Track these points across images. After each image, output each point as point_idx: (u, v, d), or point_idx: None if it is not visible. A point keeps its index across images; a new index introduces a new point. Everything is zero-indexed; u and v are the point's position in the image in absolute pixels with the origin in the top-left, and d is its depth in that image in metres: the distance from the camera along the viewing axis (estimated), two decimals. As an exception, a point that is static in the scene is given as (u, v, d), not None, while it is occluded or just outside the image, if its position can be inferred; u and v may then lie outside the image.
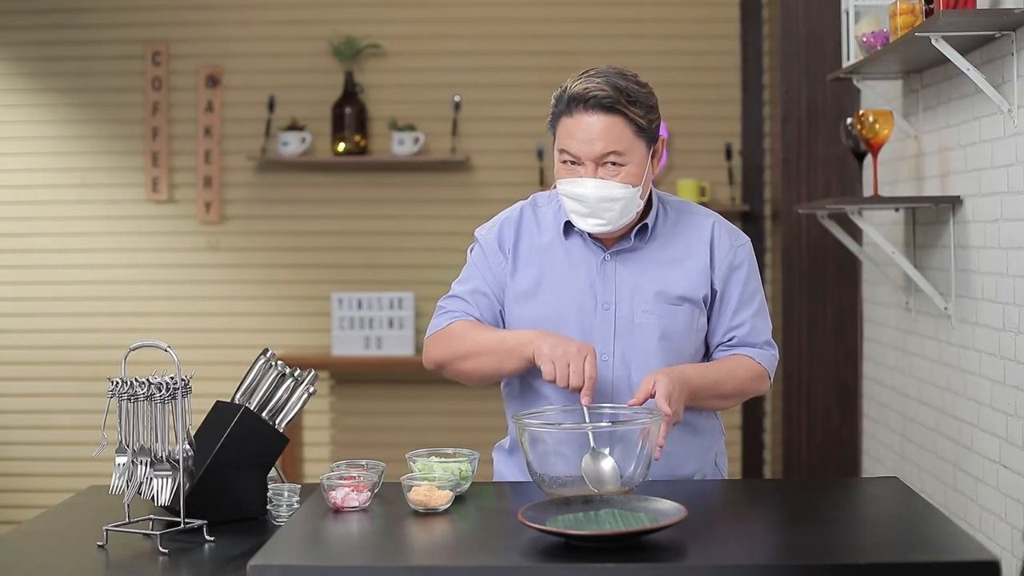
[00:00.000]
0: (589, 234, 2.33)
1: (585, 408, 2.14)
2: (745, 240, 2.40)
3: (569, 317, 2.29)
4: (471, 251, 2.44)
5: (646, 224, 2.33)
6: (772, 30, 4.81)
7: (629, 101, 2.21)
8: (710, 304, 2.35)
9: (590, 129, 2.21)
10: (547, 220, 2.39)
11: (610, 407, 2.21)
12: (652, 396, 2.13)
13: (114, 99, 5.27)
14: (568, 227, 2.35)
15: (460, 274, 2.43)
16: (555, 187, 2.34)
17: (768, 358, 2.37)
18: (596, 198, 2.23)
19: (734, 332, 2.36)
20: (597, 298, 2.31)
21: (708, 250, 2.34)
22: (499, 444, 2.49)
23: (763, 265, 5.12)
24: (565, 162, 2.25)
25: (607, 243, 2.34)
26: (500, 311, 2.38)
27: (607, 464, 2.04)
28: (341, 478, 2.05)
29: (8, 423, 5.28)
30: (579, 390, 2.14)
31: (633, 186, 2.24)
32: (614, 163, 2.22)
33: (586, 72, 2.25)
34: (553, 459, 2.06)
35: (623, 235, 2.33)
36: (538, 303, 2.32)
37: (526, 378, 2.35)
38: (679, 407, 2.17)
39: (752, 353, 2.35)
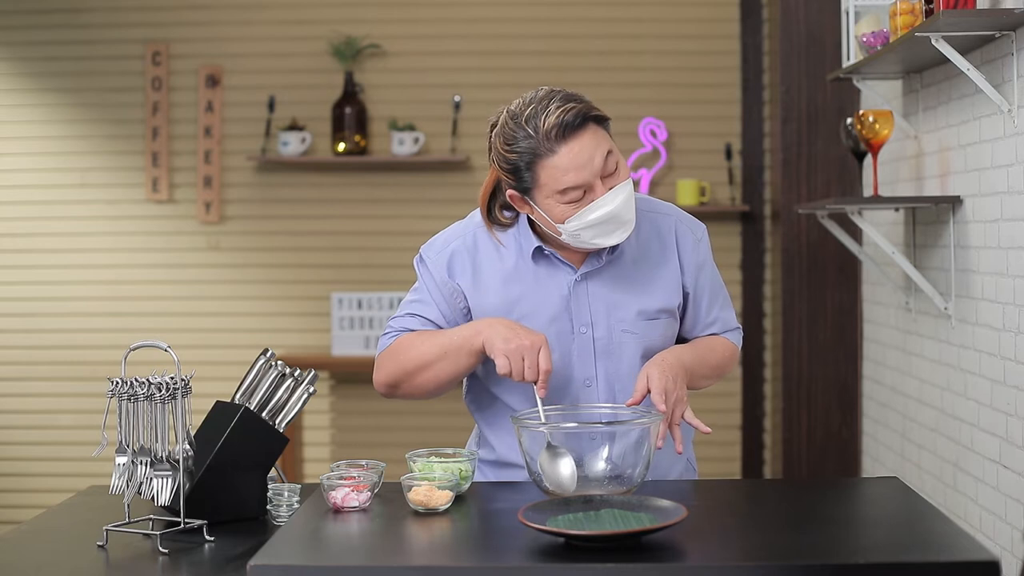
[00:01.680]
0: (560, 255, 2.24)
1: (540, 400, 2.11)
2: (703, 230, 2.36)
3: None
4: (420, 270, 2.32)
5: None
6: (772, 30, 4.81)
7: (586, 101, 2.14)
8: (683, 306, 2.34)
9: (584, 150, 2.10)
10: (508, 243, 2.27)
11: (610, 407, 2.20)
12: (648, 393, 2.13)
13: (114, 99, 5.27)
14: (537, 252, 2.25)
15: (409, 294, 2.33)
16: (553, 233, 2.20)
17: (737, 338, 2.41)
18: (620, 207, 2.13)
19: (710, 328, 2.37)
20: (573, 321, 2.24)
21: (675, 253, 2.30)
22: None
23: (763, 265, 5.12)
24: (570, 201, 2.12)
25: (576, 262, 2.26)
26: None
27: (566, 465, 2.02)
28: (341, 478, 2.05)
29: (8, 423, 5.28)
30: (534, 383, 2.11)
31: (630, 178, 2.20)
32: (611, 165, 2.14)
33: (521, 114, 2.14)
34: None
35: (593, 252, 2.26)
36: None
37: (489, 388, 2.31)
38: (681, 392, 2.14)
39: (725, 336, 2.39)
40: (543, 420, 2.10)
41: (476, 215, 2.34)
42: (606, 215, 2.13)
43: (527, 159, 2.13)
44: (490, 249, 2.28)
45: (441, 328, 2.27)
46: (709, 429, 2.14)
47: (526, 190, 2.16)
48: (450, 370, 2.21)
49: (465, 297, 2.28)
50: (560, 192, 2.12)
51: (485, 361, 2.20)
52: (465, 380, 2.36)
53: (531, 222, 2.27)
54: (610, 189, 2.14)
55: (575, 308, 2.25)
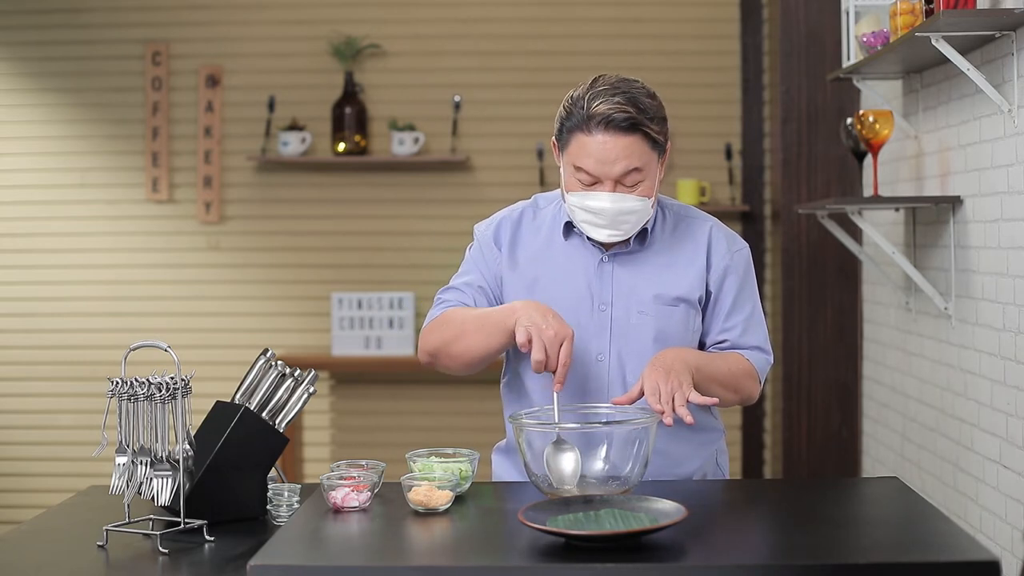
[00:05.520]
0: (589, 237, 2.33)
1: (555, 396, 2.13)
2: (743, 246, 2.41)
3: (566, 317, 2.28)
4: (469, 247, 2.45)
5: (645, 228, 2.33)
6: (772, 30, 4.81)
7: (648, 119, 2.22)
8: (704, 305, 2.35)
9: (611, 150, 2.21)
10: (546, 221, 2.40)
11: (607, 407, 2.21)
12: (643, 395, 2.13)
13: (114, 99, 5.27)
14: (568, 228, 2.36)
15: (459, 269, 2.44)
16: (562, 196, 2.34)
17: (759, 359, 2.36)
18: (614, 212, 2.24)
19: (726, 334, 2.36)
20: (594, 299, 2.32)
21: (705, 252, 2.35)
22: (497, 446, 2.49)
23: (763, 265, 5.12)
24: (581, 179, 2.24)
25: (606, 246, 2.34)
26: (496, 303, 2.38)
27: (569, 459, 2.04)
28: (341, 478, 2.05)
29: (8, 423, 5.28)
30: (554, 372, 2.13)
31: (648, 198, 2.26)
32: (632, 180, 2.23)
33: (597, 84, 2.25)
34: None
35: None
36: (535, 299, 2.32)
37: (520, 376, 2.36)
38: (678, 381, 2.11)
39: (743, 354, 2.35)
40: (556, 417, 2.10)
41: (532, 198, 2.46)
42: (599, 210, 2.24)
43: (571, 124, 2.25)
44: (531, 224, 2.41)
45: (483, 288, 2.37)
46: (716, 399, 2.16)
47: (560, 146, 2.30)
48: (481, 343, 2.26)
49: (501, 263, 2.37)
50: (576, 168, 2.25)
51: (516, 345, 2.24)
52: (504, 365, 2.43)
53: None
54: (618, 193, 2.23)
55: (597, 287, 2.32)
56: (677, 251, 2.35)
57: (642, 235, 2.33)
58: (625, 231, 2.27)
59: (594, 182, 2.23)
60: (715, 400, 2.15)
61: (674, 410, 2.08)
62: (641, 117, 2.21)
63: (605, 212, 2.24)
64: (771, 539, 1.92)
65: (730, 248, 2.37)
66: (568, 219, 2.35)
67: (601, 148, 2.21)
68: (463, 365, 2.32)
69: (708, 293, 2.35)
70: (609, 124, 2.20)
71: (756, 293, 2.40)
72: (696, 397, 2.11)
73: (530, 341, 2.13)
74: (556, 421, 2.10)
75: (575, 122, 2.23)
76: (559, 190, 2.40)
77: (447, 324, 2.33)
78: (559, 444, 2.06)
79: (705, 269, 2.34)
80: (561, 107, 2.28)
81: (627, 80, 2.27)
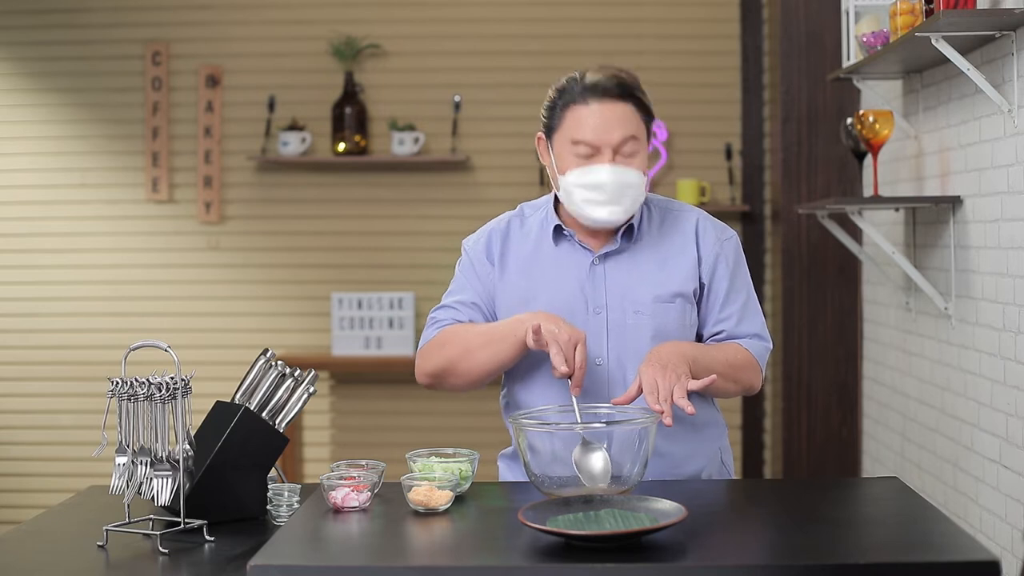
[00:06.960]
0: (578, 239, 2.33)
1: (574, 399, 2.14)
2: (732, 234, 2.41)
3: None
4: (459, 262, 2.44)
5: (632, 225, 2.33)
6: (772, 30, 4.81)
7: (638, 89, 2.29)
8: (699, 297, 2.35)
9: (608, 117, 2.24)
10: (534, 229, 2.39)
11: (607, 407, 2.21)
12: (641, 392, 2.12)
13: (114, 99, 5.27)
14: (557, 233, 2.35)
15: (449, 286, 2.43)
16: (555, 188, 2.33)
17: (758, 348, 2.36)
18: (615, 184, 2.24)
19: (722, 325, 2.35)
20: (588, 302, 2.31)
21: (694, 244, 2.35)
22: (502, 452, 2.48)
23: (763, 265, 5.12)
24: (578, 154, 2.26)
25: (595, 246, 2.34)
26: (490, 319, 2.37)
27: (598, 458, 2.04)
28: (341, 478, 2.05)
29: (8, 423, 5.28)
30: (568, 377, 2.14)
31: (644, 173, 2.28)
32: (629, 150, 2.25)
33: (584, 68, 2.31)
34: (551, 460, 2.06)
35: (610, 237, 2.34)
36: (529, 310, 2.30)
37: (518, 395, 2.35)
38: (675, 375, 2.11)
39: (741, 343, 2.35)
40: (578, 418, 2.11)
41: (517, 207, 2.48)
42: (599, 183, 2.25)
43: (563, 100, 2.29)
44: (519, 233, 2.40)
45: (476, 304, 2.37)
46: (714, 376, 2.15)
47: (551, 130, 2.32)
48: (492, 357, 2.28)
49: (494, 277, 2.37)
50: (574, 142, 2.26)
51: (527, 355, 2.25)
52: (502, 381, 2.43)
53: (556, 203, 2.40)
54: (617, 165, 2.25)
55: (591, 290, 2.31)
56: (667, 246, 2.35)
57: (629, 231, 2.33)
58: (625, 207, 2.27)
59: (592, 153, 2.25)
60: (713, 377, 2.13)
61: (673, 402, 2.08)
62: (633, 84, 2.27)
63: (606, 186, 2.24)
64: (771, 539, 1.92)
65: (719, 237, 2.37)
66: (557, 223, 2.34)
67: (598, 116, 2.24)
68: (470, 383, 2.33)
69: (701, 285, 2.35)
70: (605, 92, 2.25)
71: (749, 281, 2.40)
72: (693, 384, 2.11)
73: (545, 346, 2.14)
74: (579, 420, 2.09)
75: (569, 98, 2.27)
76: (544, 197, 2.42)
77: (449, 343, 2.32)
78: (587, 445, 2.05)
79: (696, 261, 2.34)
80: (549, 94, 2.32)
81: (612, 65, 2.33)
